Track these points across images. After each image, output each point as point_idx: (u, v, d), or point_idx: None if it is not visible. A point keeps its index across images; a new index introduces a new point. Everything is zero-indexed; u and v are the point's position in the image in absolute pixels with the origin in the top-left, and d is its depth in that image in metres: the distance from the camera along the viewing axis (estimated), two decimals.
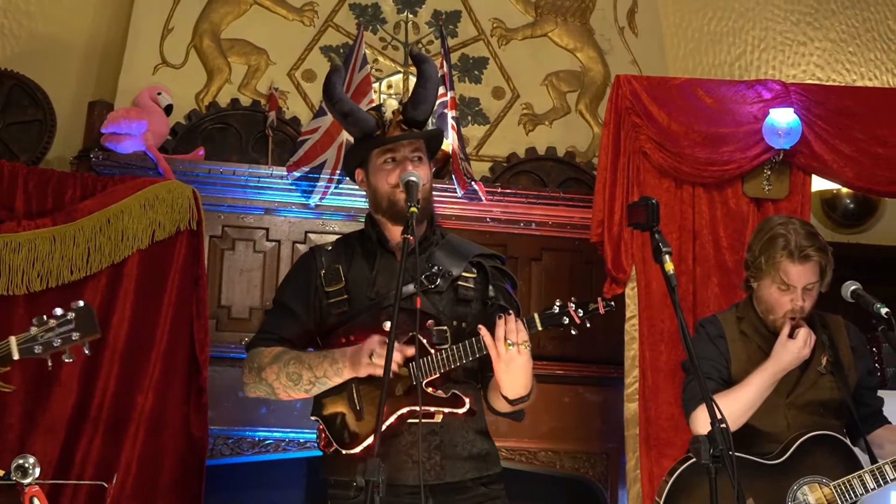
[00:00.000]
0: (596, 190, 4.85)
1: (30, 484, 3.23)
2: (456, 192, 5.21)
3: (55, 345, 2.87)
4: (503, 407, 3.14)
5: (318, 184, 5.11)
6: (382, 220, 3.21)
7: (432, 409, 3.04)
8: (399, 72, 5.74)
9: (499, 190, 5.39)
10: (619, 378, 4.85)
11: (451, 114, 5.22)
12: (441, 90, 5.30)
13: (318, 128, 5.11)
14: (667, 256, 2.86)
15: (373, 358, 2.94)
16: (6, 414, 4.50)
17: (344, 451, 3.06)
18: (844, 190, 6.03)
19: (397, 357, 2.92)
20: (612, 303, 2.94)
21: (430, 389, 3.04)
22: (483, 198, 5.27)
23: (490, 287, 3.23)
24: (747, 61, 6.46)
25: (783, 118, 4.76)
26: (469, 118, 5.77)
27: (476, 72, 5.86)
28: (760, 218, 4.64)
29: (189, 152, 5.25)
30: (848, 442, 3.65)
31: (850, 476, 3.53)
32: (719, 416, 2.73)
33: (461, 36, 5.88)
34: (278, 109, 5.42)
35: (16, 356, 2.87)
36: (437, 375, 3.02)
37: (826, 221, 6.19)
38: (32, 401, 4.51)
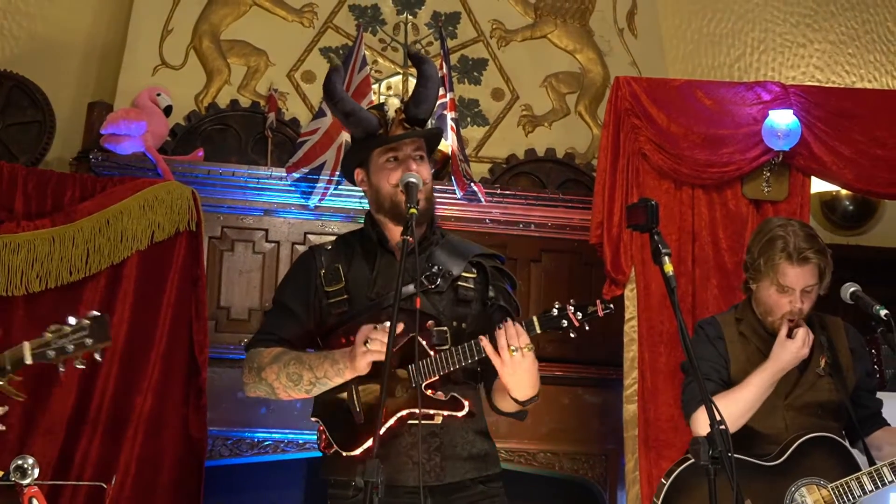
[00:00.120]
0: (595, 191, 4.85)
1: (29, 484, 3.23)
2: (455, 194, 5.21)
3: (68, 350, 2.88)
4: (509, 407, 3.14)
5: (318, 185, 5.11)
6: (383, 219, 3.20)
7: (432, 411, 3.04)
8: (398, 73, 5.74)
9: (498, 191, 5.39)
10: (619, 379, 4.85)
11: (450, 115, 5.22)
12: (440, 91, 5.30)
13: (317, 129, 5.11)
14: (666, 258, 2.86)
15: (367, 344, 2.91)
16: (5, 415, 4.50)
17: (344, 453, 3.06)
18: (844, 192, 6.03)
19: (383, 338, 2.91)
20: (612, 305, 2.93)
21: (429, 392, 3.03)
22: (482, 199, 5.27)
23: (490, 287, 3.23)
24: (747, 63, 6.47)
25: (782, 120, 4.76)
26: (468, 119, 5.77)
27: (475, 73, 5.86)
28: (760, 219, 4.65)
29: (188, 153, 5.25)
30: (846, 444, 3.65)
31: (848, 478, 3.53)
32: (718, 418, 2.72)
33: (461, 37, 5.88)
34: (278, 111, 5.42)
35: (28, 360, 2.89)
36: (437, 378, 3.02)
37: (825, 223, 6.19)
38: (32, 402, 4.50)
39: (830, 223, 6.22)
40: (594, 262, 5.03)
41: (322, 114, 5.12)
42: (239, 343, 4.93)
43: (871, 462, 3.64)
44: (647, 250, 4.10)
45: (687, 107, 4.86)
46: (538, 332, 2.98)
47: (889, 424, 3.79)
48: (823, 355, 3.68)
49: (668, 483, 3.60)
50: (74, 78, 5.63)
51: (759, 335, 3.70)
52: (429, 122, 3.28)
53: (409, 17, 5.86)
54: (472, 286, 3.20)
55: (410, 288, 3.03)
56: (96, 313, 2.93)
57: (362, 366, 2.95)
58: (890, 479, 3.51)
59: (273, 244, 5.21)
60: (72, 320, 2.92)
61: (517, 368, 2.94)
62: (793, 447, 3.57)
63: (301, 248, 5.11)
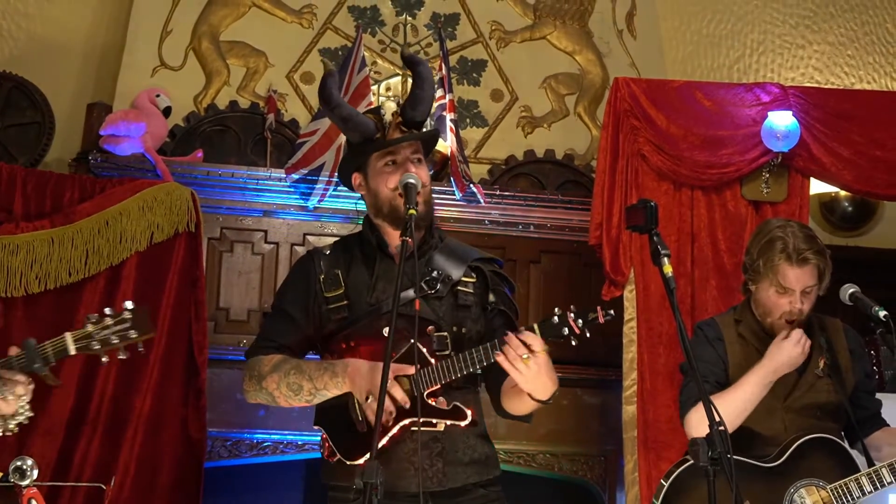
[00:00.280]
0: (594, 192, 4.85)
1: (28, 486, 3.23)
2: (454, 195, 5.21)
3: (113, 342, 2.89)
4: (526, 409, 3.11)
5: (317, 186, 5.11)
6: (382, 224, 3.18)
7: (434, 420, 3.03)
8: (398, 74, 5.74)
9: (497, 192, 5.39)
10: (618, 380, 4.85)
11: (449, 116, 5.22)
12: (440, 92, 5.30)
13: (316, 130, 5.11)
14: (665, 259, 2.86)
15: (368, 400, 2.94)
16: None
17: (348, 462, 3.05)
18: (843, 193, 6.03)
19: (398, 395, 2.92)
20: (612, 311, 2.91)
21: (431, 400, 3.03)
22: (482, 200, 5.27)
23: (490, 292, 3.22)
24: (746, 64, 6.47)
25: (782, 121, 4.76)
26: (468, 120, 5.78)
27: (475, 74, 5.86)
28: (759, 221, 4.65)
29: (187, 154, 5.25)
30: (845, 445, 3.65)
31: (847, 479, 3.53)
32: (718, 419, 2.72)
33: (460, 38, 5.88)
34: (277, 112, 5.42)
35: (72, 352, 2.89)
36: (439, 386, 3.02)
37: (824, 224, 6.19)
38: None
39: (829, 224, 6.22)
40: (593, 264, 5.02)
41: (321, 115, 5.12)
42: (238, 344, 4.94)
43: (871, 463, 3.64)
44: (646, 251, 4.09)
45: (686, 108, 4.86)
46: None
47: (889, 425, 3.79)
48: (822, 357, 3.68)
49: (667, 484, 3.60)
50: (73, 79, 5.63)
51: (758, 337, 3.70)
52: (426, 123, 3.27)
53: (409, 19, 5.86)
54: (471, 291, 3.18)
55: (410, 293, 3.02)
56: (132, 305, 2.93)
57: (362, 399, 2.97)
58: (889, 480, 3.50)
59: (272, 245, 5.21)
60: (108, 310, 2.91)
61: (533, 374, 2.91)
62: (792, 448, 3.57)
63: (300, 250, 5.12)
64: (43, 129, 5.31)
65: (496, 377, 3.13)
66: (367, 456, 2.95)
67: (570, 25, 6.01)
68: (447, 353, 3.05)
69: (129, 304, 2.93)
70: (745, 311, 3.75)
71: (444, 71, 5.31)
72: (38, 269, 4.58)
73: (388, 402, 2.92)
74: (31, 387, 2.96)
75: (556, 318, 2.90)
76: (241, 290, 5.17)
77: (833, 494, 3.52)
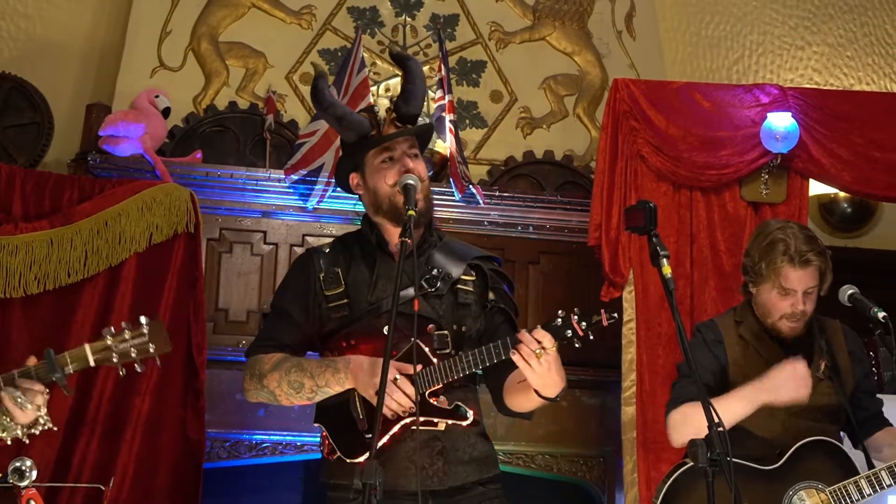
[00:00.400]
0: (593, 193, 4.85)
1: (27, 487, 3.23)
2: (454, 196, 5.21)
3: (132, 356, 2.94)
4: (530, 405, 3.10)
5: (316, 187, 5.10)
6: (382, 222, 3.17)
7: (435, 419, 3.03)
8: (397, 75, 5.72)
9: (496, 193, 5.39)
10: (617, 381, 4.85)
11: (448, 117, 5.22)
12: (439, 93, 5.31)
13: (315, 131, 5.10)
14: (664, 260, 2.85)
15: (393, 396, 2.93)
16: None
17: (348, 460, 3.05)
18: (842, 194, 6.03)
19: (401, 399, 2.92)
20: (615, 314, 2.90)
21: (432, 399, 3.03)
22: (481, 201, 5.27)
23: (489, 290, 3.22)
24: (745, 65, 6.47)
25: (781, 122, 4.76)
26: (467, 122, 5.78)
27: (474, 75, 5.86)
28: (758, 222, 4.65)
29: (187, 155, 5.25)
30: (844, 447, 3.64)
31: (846, 482, 3.52)
32: (717, 420, 2.72)
33: (459, 39, 5.88)
34: (276, 112, 5.42)
35: (91, 363, 2.94)
36: (440, 385, 3.02)
37: (824, 226, 6.20)
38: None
39: (829, 226, 6.23)
40: (592, 265, 5.02)
41: (320, 116, 5.12)
42: (237, 345, 4.94)
43: (871, 465, 3.64)
44: (645, 252, 4.08)
45: (685, 109, 4.86)
46: None
47: (892, 424, 3.79)
48: (823, 359, 3.68)
49: (665, 486, 3.60)
50: (73, 79, 5.63)
51: (758, 338, 3.69)
52: (420, 118, 3.27)
53: (408, 20, 5.86)
54: (471, 289, 3.18)
55: (410, 291, 3.02)
56: (145, 319, 3.00)
57: (369, 394, 2.96)
58: (889, 482, 3.50)
59: (271, 246, 5.21)
60: (126, 325, 2.97)
61: (545, 371, 2.90)
62: (791, 451, 3.57)
63: (299, 250, 5.11)
64: (42, 129, 5.31)
65: (498, 375, 3.13)
66: (368, 454, 2.96)
67: (570, 26, 6.01)
68: (448, 351, 3.05)
69: (144, 319, 2.98)
70: (746, 312, 3.75)
71: (443, 72, 5.31)
72: (36, 270, 4.58)
73: (395, 401, 2.92)
74: (48, 396, 2.98)
75: (559, 320, 2.90)
76: (240, 290, 5.17)
77: (832, 497, 3.52)
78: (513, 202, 5.39)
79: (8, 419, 2.97)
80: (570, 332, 2.88)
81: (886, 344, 3.58)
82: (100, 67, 5.67)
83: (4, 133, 5.28)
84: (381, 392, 2.68)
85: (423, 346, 2.99)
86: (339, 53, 5.68)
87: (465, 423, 3.04)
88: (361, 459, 3.00)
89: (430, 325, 3.08)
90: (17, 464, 3.24)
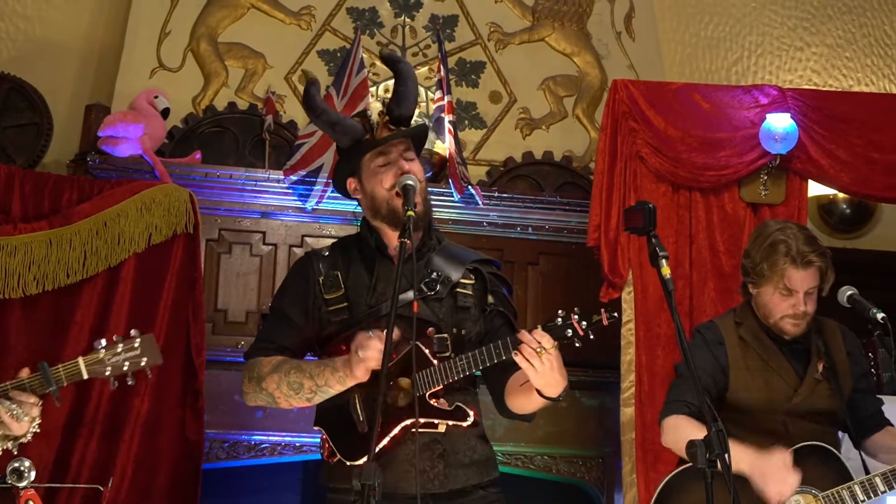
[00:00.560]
0: (593, 194, 4.85)
1: (25, 487, 3.23)
2: (453, 197, 5.21)
3: (124, 368, 3.02)
4: (532, 406, 3.09)
5: (315, 187, 5.10)
6: (381, 225, 3.18)
7: (436, 421, 3.03)
8: None
9: (496, 194, 5.39)
10: (616, 382, 4.85)
11: (448, 118, 5.22)
12: (438, 94, 5.31)
13: (314, 131, 5.10)
14: (663, 261, 2.85)
15: (360, 353, 2.90)
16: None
17: (348, 463, 3.05)
18: (841, 195, 6.03)
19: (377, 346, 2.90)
20: (616, 314, 2.91)
21: (432, 401, 3.03)
22: (480, 202, 5.27)
23: (489, 293, 3.22)
24: (744, 66, 6.47)
25: (780, 123, 4.76)
26: (466, 122, 5.78)
27: (473, 76, 5.86)
28: (757, 223, 4.64)
29: (186, 156, 5.25)
30: (837, 453, 3.62)
31: (839, 487, 3.51)
32: (716, 420, 2.73)
33: (458, 40, 5.88)
34: (275, 113, 5.42)
35: (85, 376, 3.02)
36: (441, 387, 3.01)
37: (823, 227, 6.19)
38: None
39: (828, 227, 6.22)
40: (592, 265, 5.02)
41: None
42: (236, 346, 4.94)
43: (867, 466, 3.64)
44: (644, 253, 4.10)
45: (684, 110, 4.86)
46: None
47: (892, 424, 3.78)
48: (821, 359, 3.68)
49: (661, 486, 3.61)
50: (72, 80, 5.63)
51: (759, 340, 3.69)
52: (419, 119, 3.28)
53: (407, 20, 5.86)
54: (470, 293, 3.18)
55: (410, 294, 3.01)
56: (134, 332, 3.07)
57: (360, 374, 2.94)
58: (883, 489, 3.49)
59: (270, 247, 5.21)
60: (118, 338, 3.05)
61: (547, 370, 2.90)
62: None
63: (298, 251, 5.11)
64: (41, 130, 5.30)
65: (498, 376, 3.13)
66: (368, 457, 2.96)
67: (569, 27, 6.01)
68: (447, 354, 3.04)
69: (136, 332, 3.07)
70: (746, 313, 3.74)
71: (442, 72, 5.31)
72: (35, 271, 4.58)
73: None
74: (41, 408, 3.04)
75: (559, 319, 2.90)
76: (239, 291, 5.17)
77: (826, 502, 3.51)
78: (512, 203, 5.39)
79: (1, 431, 2.98)
80: (570, 331, 2.88)
81: (885, 345, 3.58)
82: (99, 68, 5.67)
83: (3, 133, 5.27)
84: (381, 391, 2.68)
85: (422, 348, 2.99)
86: (339, 54, 5.68)
87: (465, 424, 3.04)
88: (361, 462, 2.99)
89: (430, 329, 3.07)
90: (16, 464, 3.24)
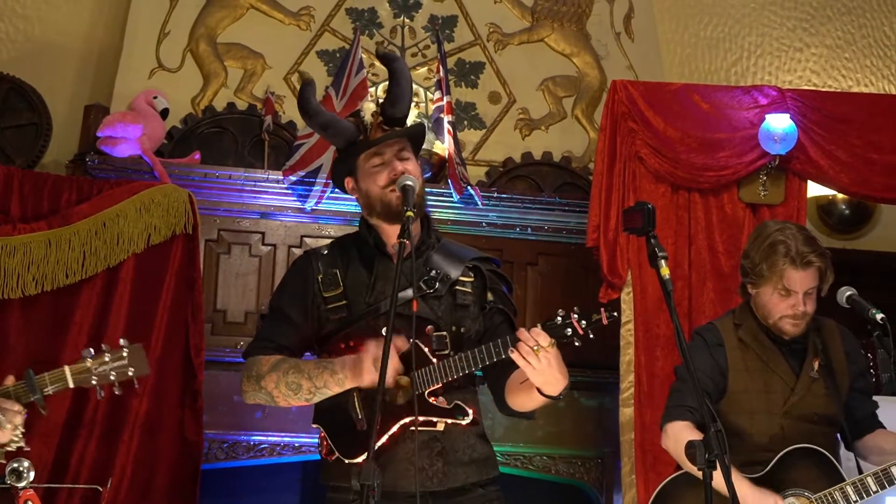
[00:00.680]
0: (592, 195, 4.85)
1: (24, 487, 3.23)
2: (452, 197, 5.21)
3: (111, 378, 3.05)
4: (533, 404, 3.09)
5: (314, 188, 5.10)
6: (378, 223, 3.18)
7: (434, 419, 3.03)
8: None
9: (495, 195, 5.39)
10: (615, 383, 4.85)
11: (447, 118, 5.22)
12: (437, 94, 5.31)
13: (313, 132, 5.10)
14: (662, 261, 2.85)
15: (374, 364, 2.91)
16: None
17: (346, 461, 3.05)
18: (840, 196, 6.03)
19: (393, 366, 2.90)
20: (615, 313, 2.91)
21: (431, 399, 3.03)
22: (479, 202, 5.27)
23: (488, 291, 3.22)
24: (743, 67, 6.47)
25: (779, 124, 4.76)
26: (465, 123, 5.77)
27: (472, 76, 5.86)
28: (756, 223, 4.64)
29: (185, 156, 5.25)
30: (831, 456, 3.61)
31: (832, 488, 3.51)
32: (715, 420, 2.73)
33: (458, 41, 5.88)
34: (274, 113, 5.42)
35: (71, 385, 3.04)
36: (440, 385, 3.01)
37: (822, 227, 6.19)
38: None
39: (827, 227, 6.23)
40: (591, 266, 5.02)
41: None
42: (235, 346, 4.94)
43: (860, 467, 3.63)
44: (643, 254, 4.11)
45: (684, 111, 4.86)
46: None
47: (885, 427, 3.78)
48: (817, 358, 3.68)
49: (655, 494, 3.62)
50: (71, 80, 5.62)
51: (758, 341, 3.69)
52: (412, 119, 3.28)
53: (406, 21, 5.86)
54: (470, 290, 3.19)
55: (409, 293, 3.02)
56: (124, 342, 3.09)
57: (367, 383, 2.95)
58: (875, 489, 3.49)
59: (269, 247, 5.21)
60: (106, 347, 3.06)
61: (545, 367, 2.90)
62: (776, 458, 3.55)
63: (297, 252, 5.11)
64: (40, 130, 5.30)
65: (499, 375, 3.14)
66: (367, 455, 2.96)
67: (568, 28, 6.01)
68: (447, 352, 3.05)
69: (124, 342, 3.08)
70: (745, 314, 3.74)
71: (441, 73, 5.31)
72: (34, 271, 4.57)
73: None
74: (25, 416, 3.05)
75: (559, 318, 2.91)
76: (238, 292, 5.16)
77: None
78: (511, 203, 5.39)
79: None
80: (570, 330, 2.89)
81: (884, 346, 3.58)
82: (98, 68, 5.66)
83: (2, 134, 5.27)
84: (379, 391, 2.68)
85: (422, 346, 2.99)
86: (338, 54, 5.68)
87: (464, 423, 3.04)
88: (360, 460, 3.00)
89: (429, 327, 3.08)
90: (15, 465, 3.24)
